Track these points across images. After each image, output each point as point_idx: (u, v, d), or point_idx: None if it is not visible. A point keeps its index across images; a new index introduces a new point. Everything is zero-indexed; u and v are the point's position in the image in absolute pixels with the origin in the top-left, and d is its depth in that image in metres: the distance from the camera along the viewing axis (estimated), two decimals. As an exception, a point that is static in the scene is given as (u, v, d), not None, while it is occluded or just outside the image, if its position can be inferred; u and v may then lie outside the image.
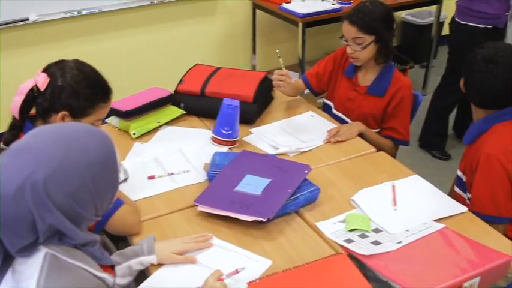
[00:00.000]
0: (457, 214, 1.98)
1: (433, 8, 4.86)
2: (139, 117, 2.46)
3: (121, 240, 1.96)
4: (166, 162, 2.24)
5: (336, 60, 2.71)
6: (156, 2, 4.08)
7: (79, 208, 1.25)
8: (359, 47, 2.47)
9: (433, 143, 4.13)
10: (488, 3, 3.56)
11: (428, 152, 4.14)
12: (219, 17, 4.47)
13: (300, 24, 3.95)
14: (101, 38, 4.03)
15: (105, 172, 1.29)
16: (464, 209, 2.01)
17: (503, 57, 2.05)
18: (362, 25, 2.44)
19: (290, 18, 4.03)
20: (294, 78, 2.80)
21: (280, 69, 2.62)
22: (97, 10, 3.88)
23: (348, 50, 2.52)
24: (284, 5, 4.06)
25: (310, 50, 4.32)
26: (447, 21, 5.35)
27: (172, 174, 2.16)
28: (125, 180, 1.47)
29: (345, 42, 2.52)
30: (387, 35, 2.50)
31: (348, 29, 2.48)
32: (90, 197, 1.26)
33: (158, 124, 2.50)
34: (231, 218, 1.86)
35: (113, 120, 2.49)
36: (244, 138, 2.42)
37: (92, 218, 1.31)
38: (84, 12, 3.84)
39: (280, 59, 2.57)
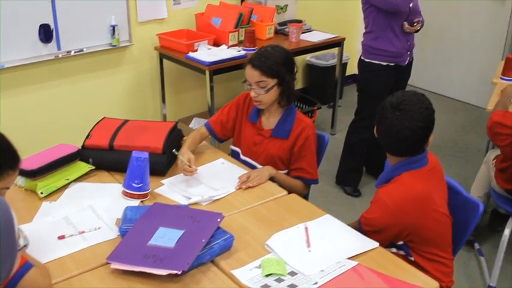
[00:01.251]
0: (369, 250, 2.03)
1: (335, 50, 5.03)
2: (47, 175, 2.39)
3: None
4: (76, 220, 2.18)
5: (238, 107, 2.76)
6: (60, 56, 4.02)
7: (-27, 278, 1.20)
8: (263, 90, 2.53)
9: (347, 179, 4.24)
10: (389, 42, 3.76)
11: (342, 189, 4.24)
12: (126, 68, 4.45)
13: (207, 72, 3.99)
14: (4, 95, 3.91)
15: (1, 239, 1.24)
16: (376, 244, 2.07)
17: (409, 105, 2.09)
18: (264, 69, 2.51)
19: (197, 66, 4.07)
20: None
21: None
22: (-2, 67, 3.78)
23: (252, 94, 2.57)
24: (190, 54, 4.10)
25: (219, 97, 4.37)
26: (350, 62, 5.61)
27: (83, 232, 2.10)
28: (25, 246, 1.42)
29: (249, 87, 2.57)
30: (289, 78, 2.57)
31: (251, 73, 2.54)
32: (-15, 266, 1.21)
33: (67, 181, 2.44)
34: (146, 273, 1.82)
35: (18, 180, 2.40)
36: (156, 190, 2.40)
37: (-11, 288, 1.25)
38: (-16, 70, 3.73)
39: (180, 157, 2.50)
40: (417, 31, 3.82)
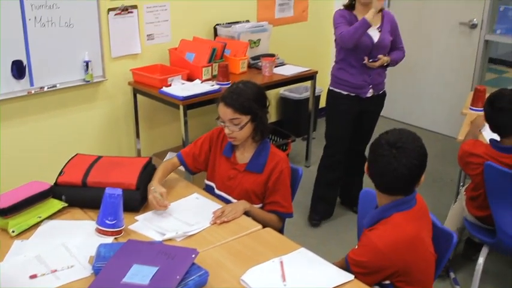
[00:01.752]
0: (345, 283, 2.04)
1: (308, 84, 5.09)
2: (19, 213, 2.36)
3: None
4: (48, 258, 2.15)
5: (212, 141, 2.77)
6: (33, 92, 4.00)
7: None
8: (237, 127, 2.55)
9: (314, 207, 4.27)
10: (349, 74, 3.86)
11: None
12: (99, 103, 4.44)
13: (181, 107, 4.00)
14: (-25, 132, 3.89)
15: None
16: (351, 276, 2.07)
17: (406, 143, 2.09)
18: (237, 106, 2.52)
19: (171, 101, 4.08)
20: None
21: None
22: (-30, 104, 3.75)
23: (226, 131, 2.58)
24: (164, 88, 4.11)
25: (193, 131, 4.37)
26: (323, 94, 5.67)
27: (55, 271, 2.07)
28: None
29: (222, 124, 2.59)
30: (262, 113, 2.60)
31: (224, 111, 2.55)
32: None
33: (39, 219, 2.41)
34: (120, 311, 1.80)
35: (-11, 219, 2.38)
36: (130, 227, 2.38)
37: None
38: (-45, 107, 3.70)
39: (152, 191, 2.51)
40: (386, 66, 3.89)
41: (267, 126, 2.65)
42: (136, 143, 4.70)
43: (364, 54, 3.77)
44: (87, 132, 4.44)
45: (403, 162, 2.07)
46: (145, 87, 4.32)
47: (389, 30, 3.84)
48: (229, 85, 2.72)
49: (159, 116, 4.80)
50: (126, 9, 4.35)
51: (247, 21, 5.13)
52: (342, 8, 3.87)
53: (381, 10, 3.76)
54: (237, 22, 5.01)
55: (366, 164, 2.20)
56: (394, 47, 3.92)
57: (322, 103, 5.87)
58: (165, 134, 4.89)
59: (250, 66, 4.81)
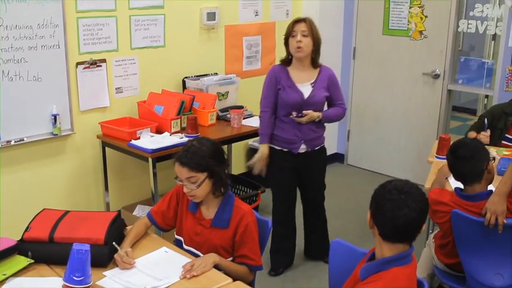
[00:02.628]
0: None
1: (276, 135, 5.13)
2: (-18, 271, 2.32)
3: None
4: (13, 318, 2.10)
5: (179, 196, 2.77)
6: (0, 146, 3.95)
7: None
8: (194, 185, 2.56)
9: (272, 258, 4.21)
10: (281, 129, 3.89)
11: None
12: (67, 157, 4.41)
13: (150, 160, 4.00)
14: None
15: None
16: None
17: (412, 189, 2.11)
18: (192, 165, 2.54)
19: (140, 154, 4.08)
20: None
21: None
22: None
23: (185, 190, 2.59)
24: (133, 141, 4.11)
25: (163, 183, 4.36)
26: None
27: (20, 330, 2.03)
28: None
29: (180, 182, 2.60)
30: (219, 169, 2.60)
31: (180, 170, 2.57)
32: None
33: (4, 277, 2.35)
34: None
35: (-49, 277, 2.33)
36: (98, 283, 2.34)
37: None
38: None
39: (119, 249, 2.51)
40: (319, 122, 3.87)
41: (225, 182, 2.65)
42: (105, 196, 4.66)
43: (294, 110, 3.77)
44: (55, 186, 4.39)
45: (412, 207, 2.08)
46: (114, 140, 4.31)
47: (325, 86, 3.83)
48: (198, 137, 2.73)
49: (128, 169, 4.78)
50: (94, 63, 4.37)
51: (216, 73, 5.19)
52: (279, 62, 3.93)
53: (319, 66, 3.83)
54: (206, 75, 5.06)
55: (369, 214, 2.18)
56: (332, 103, 3.93)
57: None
58: (134, 186, 4.86)
59: (218, 118, 4.84)
